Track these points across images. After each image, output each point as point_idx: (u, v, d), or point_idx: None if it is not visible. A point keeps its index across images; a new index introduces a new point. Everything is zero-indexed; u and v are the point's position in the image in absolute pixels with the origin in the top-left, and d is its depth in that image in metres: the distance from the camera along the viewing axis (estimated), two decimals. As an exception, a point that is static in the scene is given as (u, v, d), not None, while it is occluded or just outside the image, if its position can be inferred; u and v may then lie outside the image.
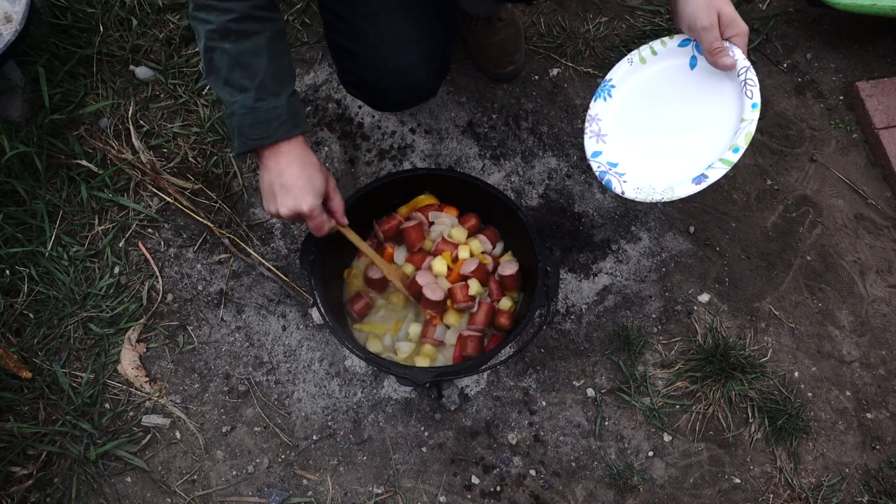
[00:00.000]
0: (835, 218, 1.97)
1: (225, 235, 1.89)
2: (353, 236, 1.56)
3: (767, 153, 2.03)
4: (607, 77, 1.58)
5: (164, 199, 1.92)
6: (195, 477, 1.69)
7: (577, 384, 1.79)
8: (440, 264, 1.69)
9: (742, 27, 1.36)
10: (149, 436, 1.71)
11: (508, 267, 1.71)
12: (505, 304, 1.70)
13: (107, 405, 1.74)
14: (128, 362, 1.77)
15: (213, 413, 1.75)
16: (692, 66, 1.49)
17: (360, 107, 2.05)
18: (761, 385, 1.78)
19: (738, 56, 1.38)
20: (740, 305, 1.87)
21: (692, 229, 1.94)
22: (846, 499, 1.71)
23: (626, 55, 1.59)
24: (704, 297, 1.88)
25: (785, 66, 2.14)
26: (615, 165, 1.55)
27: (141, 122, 1.99)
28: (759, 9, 2.20)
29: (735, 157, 1.37)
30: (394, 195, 1.75)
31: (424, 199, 1.78)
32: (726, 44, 1.38)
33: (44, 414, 1.70)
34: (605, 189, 1.62)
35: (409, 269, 1.73)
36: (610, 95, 1.58)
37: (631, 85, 1.58)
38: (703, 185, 1.39)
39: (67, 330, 1.79)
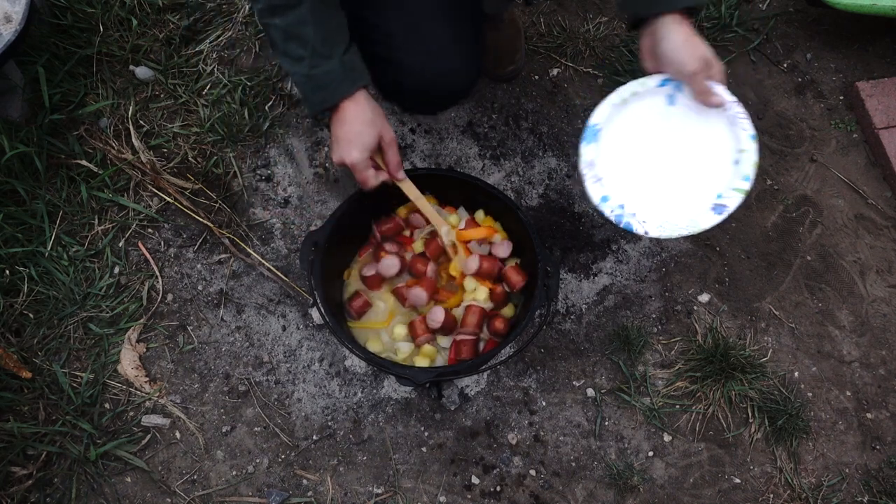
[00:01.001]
0: (835, 218, 1.97)
1: (225, 235, 1.89)
2: (410, 190, 1.60)
3: (767, 153, 2.03)
4: (592, 122, 1.57)
5: (164, 199, 1.92)
6: (195, 477, 1.69)
7: (577, 384, 1.79)
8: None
9: (719, 66, 1.45)
10: (149, 436, 1.71)
11: (502, 249, 1.71)
12: (507, 311, 1.70)
13: (107, 405, 1.74)
14: (128, 362, 1.77)
15: (213, 413, 1.75)
16: (670, 103, 1.54)
17: (360, 107, 2.05)
18: (761, 385, 1.78)
19: (723, 93, 1.47)
20: (740, 305, 1.87)
21: (692, 229, 1.94)
22: (846, 499, 1.71)
23: (605, 97, 1.58)
24: (704, 297, 1.88)
25: (785, 66, 2.14)
26: (623, 207, 1.55)
27: (141, 122, 2.00)
28: (759, 9, 2.20)
29: (747, 185, 1.47)
30: (393, 196, 1.75)
31: (424, 200, 1.78)
32: (710, 82, 1.45)
33: (44, 414, 1.70)
34: (626, 231, 1.65)
35: (454, 219, 1.73)
36: (598, 139, 1.57)
37: (617, 127, 1.58)
38: (725, 215, 1.49)
39: (67, 330, 1.79)
